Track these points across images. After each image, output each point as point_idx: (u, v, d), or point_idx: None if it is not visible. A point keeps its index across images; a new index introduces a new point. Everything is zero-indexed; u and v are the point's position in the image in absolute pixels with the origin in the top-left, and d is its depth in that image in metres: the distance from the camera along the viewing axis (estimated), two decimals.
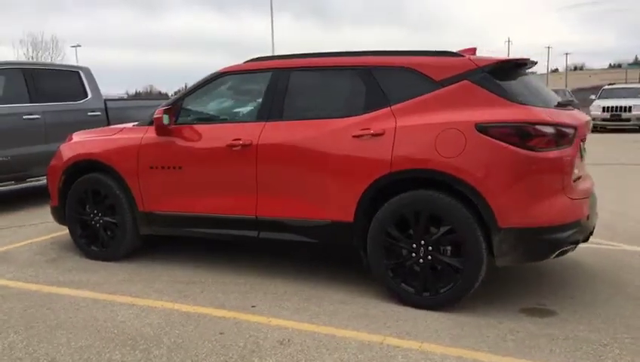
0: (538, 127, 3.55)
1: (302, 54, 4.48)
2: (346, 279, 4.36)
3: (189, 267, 4.84)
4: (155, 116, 4.57)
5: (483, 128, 3.59)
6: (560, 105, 4.03)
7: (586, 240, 4.01)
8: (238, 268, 4.75)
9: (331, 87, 4.27)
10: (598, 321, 3.60)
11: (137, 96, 64.35)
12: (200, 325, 3.62)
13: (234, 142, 4.35)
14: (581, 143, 4.02)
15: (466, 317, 3.69)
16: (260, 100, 4.47)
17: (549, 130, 3.57)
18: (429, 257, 3.76)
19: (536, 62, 4.36)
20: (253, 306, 3.93)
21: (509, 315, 3.71)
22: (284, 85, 4.34)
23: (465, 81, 3.78)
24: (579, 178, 3.90)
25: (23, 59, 47.32)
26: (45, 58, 52.90)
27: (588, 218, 3.78)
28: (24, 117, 7.52)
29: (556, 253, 3.63)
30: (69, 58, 53.08)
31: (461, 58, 3.90)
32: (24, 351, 3.29)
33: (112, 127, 5.25)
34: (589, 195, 3.85)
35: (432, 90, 3.86)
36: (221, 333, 3.49)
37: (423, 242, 3.77)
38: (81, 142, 5.24)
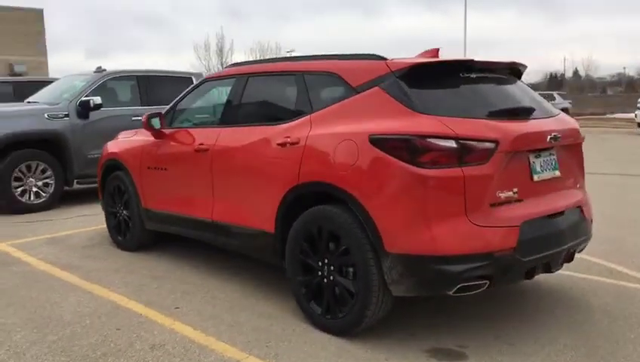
0: (431, 140, 3.05)
1: (260, 60, 4.44)
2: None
3: (177, 265, 5.05)
4: (142, 120, 4.91)
5: (375, 141, 3.21)
6: (514, 113, 3.38)
7: (529, 276, 3.33)
8: (217, 271, 4.86)
9: (274, 93, 4.18)
10: None
11: None
12: (111, 318, 3.83)
13: (199, 146, 4.48)
14: (532, 159, 3.34)
15: (356, 347, 3.34)
16: (224, 106, 4.54)
17: (448, 144, 3.04)
18: (331, 278, 3.48)
19: (498, 63, 3.71)
20: (177, 308, 4.02)
21: (407, 353, 3.27)
22: (241, 91, 4.35)
23: (376, 88, 3.40)
24: (516, 201, 3.23)
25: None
26: None
27: (515, 250, 3.12)
28: (132, 118, 8.49)
29: (456, 289, 3.08)
30: None
31: (378, 62, 3.50)
32: None
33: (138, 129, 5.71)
34: (520, 223, 3.16)
35: (348, 97, 3.54)
36: (117, 329, 3.66)
37: (326, 261, 3.50)
38: (115, 141, 5.83)
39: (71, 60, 70.38)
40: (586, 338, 3.42)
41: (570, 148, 3.68)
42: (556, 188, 3.53)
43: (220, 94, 4.74)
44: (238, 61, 4.68)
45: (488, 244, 3.06)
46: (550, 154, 3.49)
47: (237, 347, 3.37)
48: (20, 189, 7.62)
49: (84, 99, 8.09)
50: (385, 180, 3.16)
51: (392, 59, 3.49)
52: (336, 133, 3.44)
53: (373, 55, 3.62)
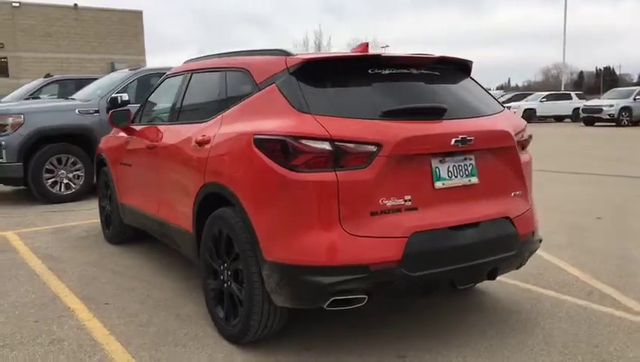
0: (304, 141, 2.81)
1: (205, 56, 4.35)
2: None
3: (142, 260, 5.10)
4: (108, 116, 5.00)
5: (257, 141, 3.02)
6: (416, 113, 3.05)
7: (426, 292, 3.00)
8: (174, 268, 4.86)
9: (205, 91, 4.06)
10: None
11: None
12: (39, 310, 3.92)
13: (150, 143, 4.49)
14: (435, 163, 3.00)
15: (246, 357, 3.18)
16: (172, 103, 4.50)
17: (321, 145, 2.80)
18: (229, 283, 3.34)
19: (418, 58, 3.38)
20: (106, 304, 4.04)
21: None
22: (185, 88, 4.30)
23: (273, 85, 3.20)
24: (409, 209, 2.91)
25: None
26: None
27: (399, 263, 2.81)
28: None
29: (329, 302, 2.82)
30: None
31: (279, 57, 3.29)
32: None
33: None
34: (408, 234, 2.84)
35: (251, 95, 3.37)
36: (36, 321, 3.73)
37: (225, 265, 3.37)
38: (105, 137, 5.97)
39: (184, 59, 74.44)
40: None
41: (498, 153, 3.27)
42: (472, 196, 3.14)
43: (176, 90, 4.70)
44: (193, 57, 4.63)
45: (364, 256, 2.78)
46: (465, 158, 3.12)
47: (128, 348, 3.32)
48: (51, 180, 8.07)
49: (113, 95, 8.40)
50: (262, 183, 2.98)
51: (296, 55, 3.27)
52: (231, 132, 3.29)
53: (279, 50, 3.42)
